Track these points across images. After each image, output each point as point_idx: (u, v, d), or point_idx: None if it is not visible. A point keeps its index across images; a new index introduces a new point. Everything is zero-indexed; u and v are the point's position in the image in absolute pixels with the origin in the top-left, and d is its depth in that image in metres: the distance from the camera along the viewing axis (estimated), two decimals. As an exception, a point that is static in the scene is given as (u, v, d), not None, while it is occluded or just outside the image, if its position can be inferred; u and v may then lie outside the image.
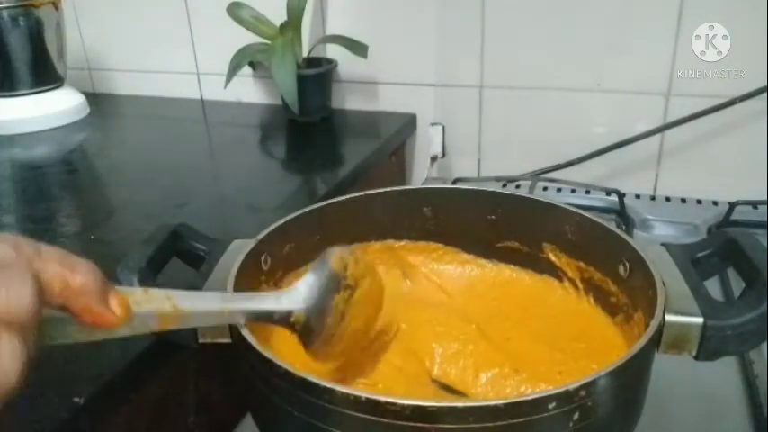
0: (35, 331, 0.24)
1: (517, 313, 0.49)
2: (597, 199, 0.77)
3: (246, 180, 0.76)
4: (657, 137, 0.79)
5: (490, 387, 0.41)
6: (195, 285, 0.40)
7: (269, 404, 0.35)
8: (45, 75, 0.96)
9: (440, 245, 0.54)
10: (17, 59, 0.92)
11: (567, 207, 0.48)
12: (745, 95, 0.73)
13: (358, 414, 0.30)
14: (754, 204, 0.73)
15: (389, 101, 0.94)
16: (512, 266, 0.53)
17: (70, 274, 0.27)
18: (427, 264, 0.54)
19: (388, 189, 0.52)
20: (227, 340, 0.38)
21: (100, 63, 1.13)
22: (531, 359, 0.43)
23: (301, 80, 0.85)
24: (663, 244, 0.43)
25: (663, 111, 0.79)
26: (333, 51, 0.94)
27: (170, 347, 0.42)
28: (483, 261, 0.54)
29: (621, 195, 0.72)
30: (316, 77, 0.90)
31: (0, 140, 0.90)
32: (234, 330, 0.37)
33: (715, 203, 0.77)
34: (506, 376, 0.41)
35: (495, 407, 0.29)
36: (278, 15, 0.88)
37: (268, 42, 0.89)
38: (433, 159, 0.91)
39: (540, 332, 0.46)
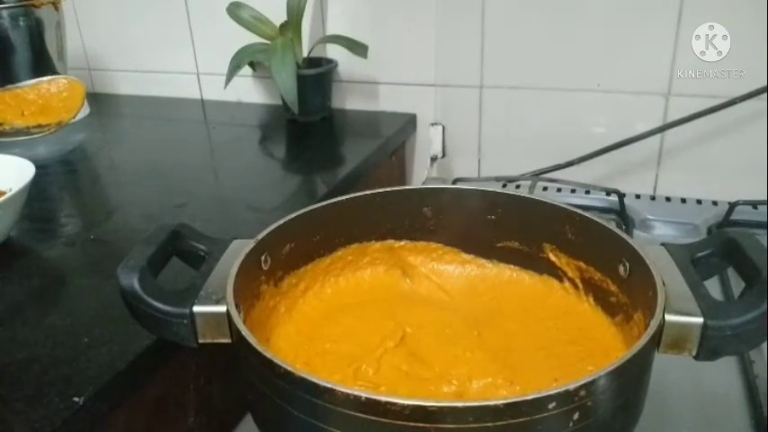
0: None
1: (517, 314, 0.48)
2: (597, 199, 0.77)
3: (246, 180, 0.76)
4: (657, 137, 0.79)
5: (480, 396, 0.41)
6: (195, 285, 0.40)
7: (269, 404, 0.35)
8: (45, 75, 0.95)
9: (440, 245, 0.54)
10: (17, 59, 0.92)
11: (567, 207, 0.48)
12: (745, 95, 0.73)
13: (358, 414, 0.30)
14: (754, 204, 0.73)
15: (389, 101, 0.94)
16: (512, 266, 0.52)
17: None
18: (427, 264, 0.54)
19: (388, 189, 0.52)
20: (227, 340, 0.38)
21: (100, 63, 1.12)
22: (527, 368, 0.42)
23: (301, 80, 0.85)
24: (663, 244, 0.43)
25: (663, 111, 0.79)
26: (333, 51, 0.94)
27: (170, 347, 0.42)
28: (483, 261, 0.53)
29: (621, 195, 0.72)
30: (316, 77, 0.90)
31: None
32: (234, 330, 0.37)
33: (715, 203, 0.77)
34: (499, 386, 0.41)
35: (496, 407, 0.29)
36: (278, 15, 0.88)
37: (268, 42, 0.89)
38: (433, 159, 0.91)
39: (539, 335, 0.46)
